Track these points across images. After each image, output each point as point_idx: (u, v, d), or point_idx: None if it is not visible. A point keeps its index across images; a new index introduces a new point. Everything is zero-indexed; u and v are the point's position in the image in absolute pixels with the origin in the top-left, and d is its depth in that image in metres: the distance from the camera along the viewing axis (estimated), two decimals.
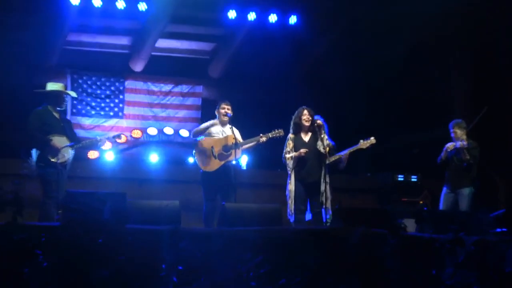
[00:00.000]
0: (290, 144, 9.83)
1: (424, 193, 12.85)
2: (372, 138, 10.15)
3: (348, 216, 8.36)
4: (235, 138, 9.89)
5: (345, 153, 10.03)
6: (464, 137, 10.38)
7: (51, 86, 9.76)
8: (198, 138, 10.17)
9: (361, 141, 10.14)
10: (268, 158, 13.84)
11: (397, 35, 14.67)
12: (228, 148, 9.96)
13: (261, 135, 9.99)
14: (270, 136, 10.04)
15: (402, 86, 15.20)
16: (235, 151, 9.89)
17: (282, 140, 10.09)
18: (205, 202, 10.00)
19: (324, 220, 9.37)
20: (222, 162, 9.98)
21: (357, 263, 6.87)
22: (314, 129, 9.87)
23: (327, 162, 9.61)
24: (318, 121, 9.76)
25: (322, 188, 9.51)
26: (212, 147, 10.00)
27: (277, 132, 10.05)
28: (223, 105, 10.19)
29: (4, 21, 13.68)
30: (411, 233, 7.70)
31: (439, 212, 10.08)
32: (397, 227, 6.94)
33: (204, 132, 10.13)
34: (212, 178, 9.96)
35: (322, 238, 7.28)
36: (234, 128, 10.01)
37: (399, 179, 13.25)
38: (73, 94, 10.75)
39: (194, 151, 10.16)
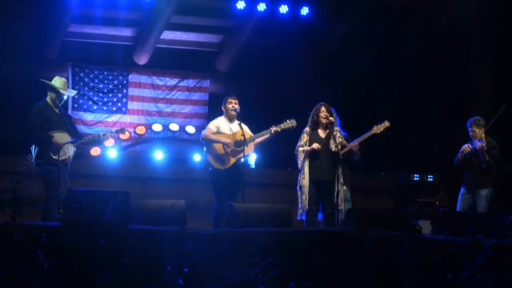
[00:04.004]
0: (304, 138, 9.84)
1: (441, 194, 12.85)
2: (386, 121, 10.19)
3: (362, 217, 8.38)
4: (243, 134, 9.91)
5: (353, 143, 10.07)
6: (483, 135, 10.36)
7: (55, 80, 9.81)
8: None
9: (375, 126, 10.20)
10: (278, 156, 13.89)
11: (416, 24, 14.72)
12: (240, 143, 9.96)
13: (272, 126, 10.00)
14: (282, 127, 10.02)
15: (421, 80, 15.22)
16: (245, 147, 9.89)
17: (293, 137, 10.12)
18: (217, 202, 10.01)
19: (336, 222, 9.40)
20: (235, 159, 10.00)
21: (370, 266, 6.91)
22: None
23: (340, 158, 9.62)
24: (331, 118, 9.79)
25: (336, 188, 9.55)
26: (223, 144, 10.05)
27: (289, 123, 10.05)
28: (230, 100, 10.20)
29: (1, 11, 13.75)
30: (427, 236, 7.73)
31: (456, 213, 10.08)
32: (412, 229, 6.99)
33: (213, 141, 10.12)
34: (223, 176, 9.99)
35: (334, 240, 7.31)
36: (242, 124, 10.03)
37: (415, 178, 13.27)
38: (72, 93, 10.81)
39: (205, 150, 10.16)
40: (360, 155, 10.21)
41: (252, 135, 10.08)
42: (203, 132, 10.23)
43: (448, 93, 15.17)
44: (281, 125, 10.03)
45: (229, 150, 9.96)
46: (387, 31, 14.69)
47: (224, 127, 10.13)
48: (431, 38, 15.06)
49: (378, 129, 10.20)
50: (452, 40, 14.77)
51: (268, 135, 10.02)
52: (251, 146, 10.05)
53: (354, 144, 10.09)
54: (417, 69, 15.17)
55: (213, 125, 10.18)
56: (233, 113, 10.12)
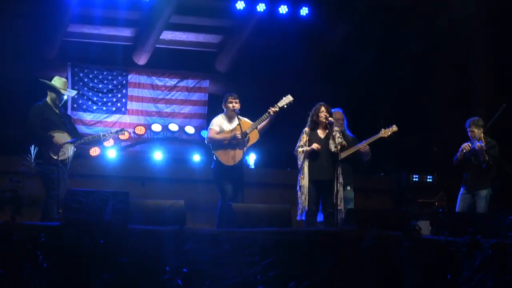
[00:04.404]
0: (304, 138, 9.85)
1: (440, 194, 12.86)
2: (394, 126, 10.21)
3: (361, 217, 8.39)
4: (240, 125, 9.91)
5: (362, 144, 10.09)
6: (482, 135, 10.37)
7: (55, 81, 9.80)
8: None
9: (382, 129, 10.22)
10: (277, 156, 13.89)
11: (416, 24, 14.73)
12: (244, 134, 9.96)
13: (270, 108, 10.00)
14: (280, 105, 10.01)
15: (421, 80, 15.22)
16: (249, 136, 9.91)
17: (293, 138, 10.12)
18: (222, 196, 9.97)
19: (336, 222, 9.41)
20: (244, 150, 10.02)
21: (369, 266, 6.93)
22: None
23: (339, 158, 9.63)
24: (330, 118, 9.79)
25: (335, 188, 9.56)
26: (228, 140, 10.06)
27: (286, 99, 10.03)
28: (230, 99, 10.17)
29: (1, 11, 13.75)
30: (426, 236, 7.74)
31: (455, 214, 10.09)
32: (411, 230, 7.00)
33: (220, 140, 10.13)
34: (225, 173, 9.98)
35: (334, 240, 7.31)
36: (241, 118, 10.05)
37: (414, 179, 13.28)
38: (73, 93, 10.78)
39: (213, 152, 10.11)
40: (369, 158, 10.25)
41: (252, 123, 10.06)
42: (208, 135, 10.22)
43: (448, 93, 15.17)
44: (278, 104, 10.02)
45: (235, 143, 9.97)
46: (387, 31, 14.69)
47: (226, 126, 10.13)
48: (431, 38, 15.06)
49: (385, 133, 10.23)
50: (452, 40, 14.76)
51: (268, 118, 10.01)
52: (255, 134, 10.05)
53: (363, 145, 10.10)
54: (417, 69, 15.17)
55: (216, 125, 10.17)
56: (234, 113, 10.11)
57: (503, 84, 13.91)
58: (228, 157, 10.00)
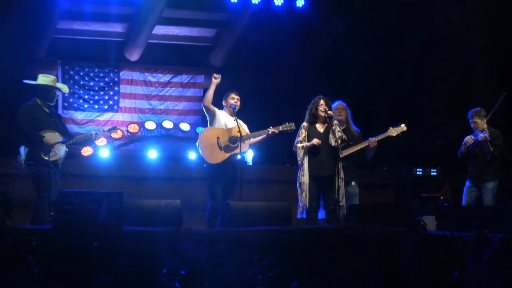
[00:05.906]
0: (303, 133, 9.78)
1: (445, 188, 12.81)
2: (402, 125, 10.17)
3: (364, 213, 8.34)
4: (239, 131, 9.81)
5: (371, 140, 10.02)
6: (485, 126, 10.33)
7: (42, 79, 9.71)
8: (209, 107, 10.08)
9: (391, 128, 10.17)
10: (276, 152, 13.83)
11: (416, 18, 14.69)
12: (235, 140, 9.87)
13: (270, 127, 9.93)
14: (281, 129, 9.97)
15: (421, 74, 15.19)
16: (240, 144, 9.81)
17: (292, 133, 10.05)
18: (210, 199, 9.91)
19: (338, 219, 9.34)
20: (228, 155, 9.88)
21: (374, 264, 6.87)
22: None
23: (340, 154, 9.57)
24: (330, 112, 9.72)
25: (337, 184, 9.48)
26: (218, 138, 9.89)
27: (288, 126, 10.00)
28: (233, 95, 10.10)
29: None
30: (432, 231, 7.68)
31: (461, 208, 10.05)
32: (416, 225, 6.93)
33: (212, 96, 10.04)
34: (217, 172, 9.88)
35: (336, 237, 7.26)
36: (239, 121, 9.94)
37: (418, 173, 13.23)
38: (66, 89, 10.74)
39: (198, 142, 10.04)
40: (374, 155, 10.19)
41: (249, 133, 9.99)
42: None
43: (448, 93, 15.15)
44: (279, 127, 9.98)
45: (222, 145, 9.87)
46: (385, 28, 14.65)
47: (222, 117, 10.02)
48: (430, 37, 15.02)
49: (394, 131, 10.19)
50: (451, 37, 14.75)
51: (265, 136, 9.96)
52: (246, 144, 9.96)
53: (373, 140, 10.03)
54: (416, 67, 15.13)
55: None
56: (231, 109, 10.04)
57: (503, 83, 13.87)
58: (211, 156, 9.88)
